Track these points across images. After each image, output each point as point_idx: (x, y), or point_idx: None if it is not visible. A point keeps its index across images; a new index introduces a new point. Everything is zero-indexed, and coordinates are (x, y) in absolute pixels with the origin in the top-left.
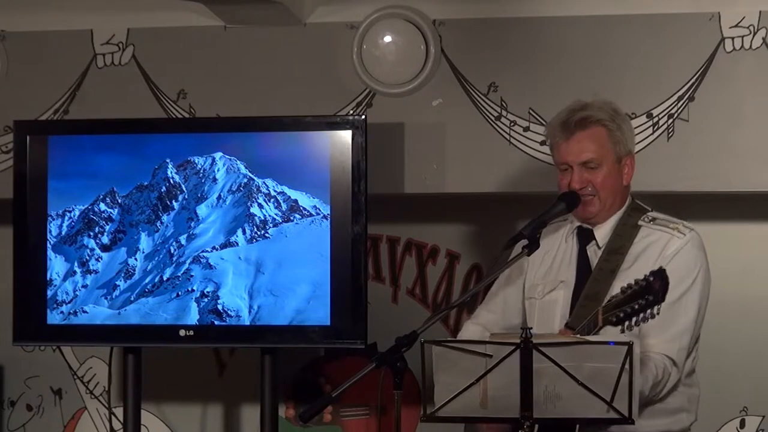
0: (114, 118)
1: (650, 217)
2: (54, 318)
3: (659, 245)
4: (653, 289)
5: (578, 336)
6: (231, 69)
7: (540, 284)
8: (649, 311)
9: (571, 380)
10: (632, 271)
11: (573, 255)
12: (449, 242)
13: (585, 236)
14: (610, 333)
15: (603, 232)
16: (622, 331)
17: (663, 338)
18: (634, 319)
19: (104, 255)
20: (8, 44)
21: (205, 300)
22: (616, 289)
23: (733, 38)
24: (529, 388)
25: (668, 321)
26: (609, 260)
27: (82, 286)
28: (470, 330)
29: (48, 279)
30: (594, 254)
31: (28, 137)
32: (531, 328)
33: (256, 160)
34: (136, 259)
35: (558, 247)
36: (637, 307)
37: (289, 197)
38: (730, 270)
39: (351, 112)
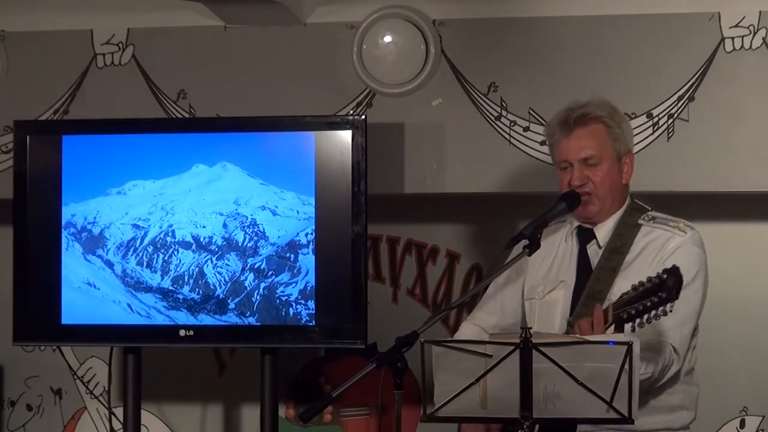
0: (114, 118)
1: (650, 216)
2: (54, 318)
3: (659, 242)
4: (667, 286)
5: (578, 336)
6: (231, 69)
7: (540, 285)
8: (661, 309)
9: (570, 380)
10: (633, 270)
11: (573, 255)
12: (449, 242)
13: (585, 236)
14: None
15: (604, 231)
16: (633, 329)
17: (666, 326)
18: (645, 316)
19: (106, 257)
20: (8, 44)
21: (206, 300)
22: (618, 287)
23: (733, 38)
24: (528, 388)
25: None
26: (610, 259)
27: (85, 286)
28: (467, 330)
29: (48, 279)
30: (594, 253)
31: (28, 137)
32: (531, 327)
33: (255, 160)
34: (137, 262)
35: (558, 248)
36: (649, 304)
37: (287, 199)
38: (730, 270)
39: (351, 112)
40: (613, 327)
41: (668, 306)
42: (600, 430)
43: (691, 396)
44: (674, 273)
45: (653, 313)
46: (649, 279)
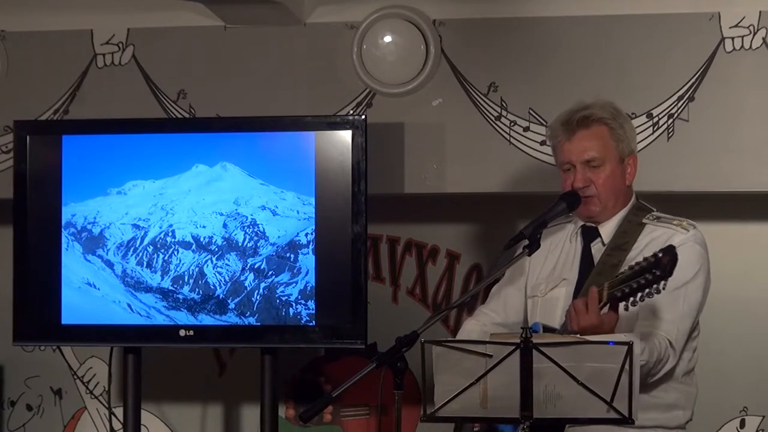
0: (114, 118)
1: (654, 216)
2: (54, 318)
3: (661, 240)
4: (661, 263)
5: (578, 336)
6: (231, 69)
7: (542, 283)
8: (655, 286)
9: (571, 380)
10: None
11: (576, 253)
12: (449, 242)
13: (590, 234)
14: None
15: (608, 229)
16: (626, 308)
17: (663, 320)
18: (639, 294)
19: (106, 257)
20: (8, 44)
21: (206, 300)
22: None
23: (733, 38)
24: (528, 388)
25: (669, 306)
26: (612, 255)
27: (85, 286)
28: (470, 327)
29: (48, 279)
30: (598, 251)
31: (28, 137)
32: (531, 327)
33: (255, 160)
34: (137, 262)
35: (562, 247)
36: (643, 282)
37: (287, 199)
38: (730, 270)
39: (351, 112)
40: (606, 307)
41: (662, 284)
42: (587, 428)
43: (688, 396)
44: (670, 251)
45: (647, 291)
46: (645, 258)
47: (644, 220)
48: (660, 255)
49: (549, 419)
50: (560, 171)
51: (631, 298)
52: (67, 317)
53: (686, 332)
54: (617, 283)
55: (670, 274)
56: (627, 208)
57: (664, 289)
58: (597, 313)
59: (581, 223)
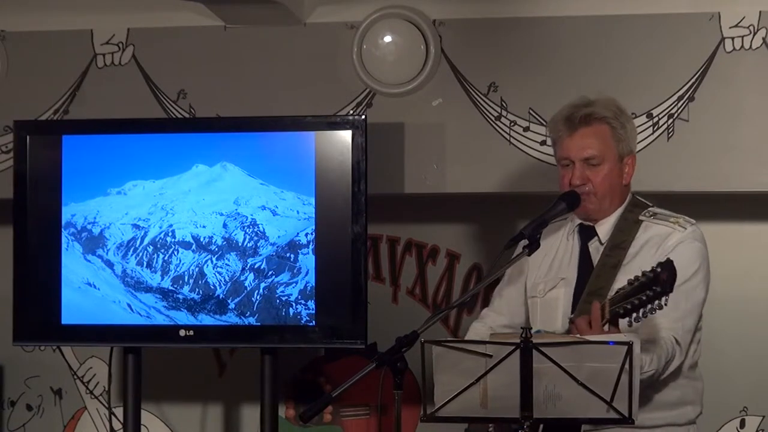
0: (114, 118)
1: (651, 212)
2: (54, 318)
3: (660, 238)
4: (661, 280)
5: (578, 336)
6: (231, 69)
7: (541, 283)
8: (656, 302)
9: (571, 380)
10: (634, 265)
11: (574, 252)
12: (449, 242)
13: (587, 233)
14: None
15: (605, 228)
16: (630, 324)
17: (668, 319)
18: (641, 310)
19: (106, 257)
20: (8, 44)
21: (206, 300)
22: (619, 283)
23: (733, 38)
24: (529, 388)
25: (672, 305)
26: (611, 255)
27: (85, 286)
28: (477, 330)
29: (48, 279)
30: (596, 251)
31: (28, 137)
32: (531, 327)
33: (255, 160)
34: (137, 262)
35: (558, 246)
36: (644, 298)
37: (287, 199)
38: (730, 270)
39: (351, 112)
40: (608, 324)
41: (663, 300)
42: (602, 428)
43: (695, 390)
44: (668, 267)
45: (648, 307)
46: (644, 273)
47: (641, 217)
48: (659, 270)
49: (564, 419)
50: (559, 166)
51: (634, 314)
52: (67, 317)
53: (691, 329)
54: (618, 299)
55: (671, 289)
56: (623, 206)
57: (666, 305)
58: (600, 330)
59: (578, 221)
